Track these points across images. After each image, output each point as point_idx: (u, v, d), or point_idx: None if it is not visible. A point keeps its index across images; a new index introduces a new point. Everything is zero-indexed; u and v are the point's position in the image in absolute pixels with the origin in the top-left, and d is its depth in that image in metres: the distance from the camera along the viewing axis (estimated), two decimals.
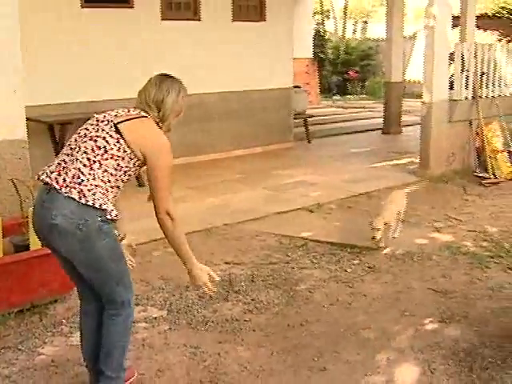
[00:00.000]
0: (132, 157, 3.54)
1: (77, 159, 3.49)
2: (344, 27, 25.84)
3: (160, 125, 3.70)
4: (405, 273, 5.98)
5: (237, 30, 11.22)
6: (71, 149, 3.57)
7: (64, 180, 3.44)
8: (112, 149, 3.50)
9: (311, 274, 5.89)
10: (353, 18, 28.79)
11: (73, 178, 3.44)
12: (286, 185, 9.10)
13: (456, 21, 11.53)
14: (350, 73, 23.19)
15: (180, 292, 5.44)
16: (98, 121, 3.63)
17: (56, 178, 3.47)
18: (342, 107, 19.79)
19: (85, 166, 3.46)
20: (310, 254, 6.42)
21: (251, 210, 7.75)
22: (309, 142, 12.98)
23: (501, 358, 4.36)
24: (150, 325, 4.90)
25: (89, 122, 3.67)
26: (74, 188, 3.40)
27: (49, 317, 5.02)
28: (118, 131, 3.54)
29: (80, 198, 3.38)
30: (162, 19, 10.14)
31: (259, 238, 6.80)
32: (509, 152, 10.05)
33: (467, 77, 10.09)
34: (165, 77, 3.80)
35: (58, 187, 3.43)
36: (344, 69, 23.70)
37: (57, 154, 8.44)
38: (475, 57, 10.17)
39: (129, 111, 3.67)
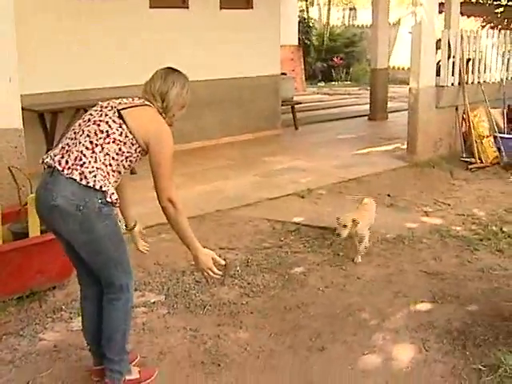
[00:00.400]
0: (134, 142, 3.61)
1: (79, 142, 3.55)
2: (328, 14, 25.86)
3: (163, 116, 3.79)
4: (396, 256, 6.10)
5: (224, 17, 11.24)
6: (75, 133, 3.63)
7: (66, 162, 3.50)
8: (114, 133, 3.57)
9: (305, 257, 5.98)
10: (336, 5, 28.80)
11: (75, 160, 3.49)
12: (276, 171, 9.18)
13: (440, 7, 11.62)
14: (335, 59, 23.26)
15: (176, 277, 5.52)
16: (101, 107, 3.71)
17: (59, 161, 3.53)
18: (328, 94, 19.85)
19: (87, 148, 3.52)
20: (303, 238, 6.51)
21: (243, 196, 7.82)
22: (296, 128, 13.05)
23: (493, 336, 4.50)
24: (149, 309, 4.97)
25: (93, 108, 3.76)
26: (76, 170, 3.46)
27: (48, 303, 5.08)
28: (120, 117, 3.61)
29: (81, 179, 3.44)
30: (150, 7, 10.15)
31: (252, 223, 6.89)
32: (494, 137, 10.17)
33: (453, 63, 10.19)
34: (171, 70, 3.89)
35: (60, 169, 3.49)
36: (329, 56, 23.76)
37: (48, 142, 8.52)
38: (461, 43, 10.26)
39: (133, 100, 3.76)
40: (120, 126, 3.59)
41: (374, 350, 4.36)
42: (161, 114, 3.77)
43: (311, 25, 24.53)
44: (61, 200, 3.45)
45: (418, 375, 4.08)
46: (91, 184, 3.45)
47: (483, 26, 19.79)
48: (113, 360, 3.84)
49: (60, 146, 3.65)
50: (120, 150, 3.59)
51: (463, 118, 10.25)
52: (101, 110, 3.68)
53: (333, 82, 22.96)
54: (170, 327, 4.65)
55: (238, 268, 5.71)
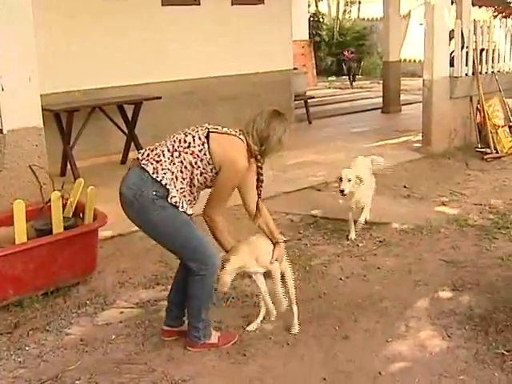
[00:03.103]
0: (210, 162, 3.91)
1: (165, 144, 3.99)
2: (337, 8, 25.79)
3: (252, 153, 4.00)
4: (415, 245, 6.13)
5: (236, 12, 11.29)
6: (167, 138, 4.03)
7: (148, 155, 3.96)
8: (195, 147, 3.91)
9: (324, 249, 6.02)
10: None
11: (155, 155, 3.92)
12: (292, 165, 9.20)
13: None
14: (345, 53, 23.20)
15: None
16: (198, 126, 4.02)
17: (143, 152, 4.03)
18: (339, 88, 19.86)
19: (168, 150, 3.94)
20: (321, 230, 6.56)
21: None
22: (310, 123, 13.08)
23: None
24: None
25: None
26: (152, 163, 3.89)
27: (73, 298, 5.15)
28: (207, 137, 3.92)
29: (153, 172, 3.86)
30: (163, 4, 10.20)
31: (271, 216, 6.89)
32: (509, 127, 10.17)
33: (467, 53, 10.19)
34: (276, 114, 4.14)
35: (140, 158, 3.97)
36: (339, 50, 23.71)
37: (64, 142, 8.59)
38: (474, 33, 10.26)
39: (231, 131, 4.04)
40: (202, 144, 3.91)
41: (397, 337, 4.41)
42: (253, 154, 4.01)
43: (321, 19, 24.49)
44: (125, 189, 3.94)
45: (442, 361, 4.12)
46: (159, 178, 3.85)
47: (495, 16, 19.71)
48: (192, 325, 4.26)
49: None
50: (196, 163, 3.91)
51: (478, 108, 10.25)
52: (196, 127, 4.02)
53: (344, 77, 22.92)
54: None
55: None
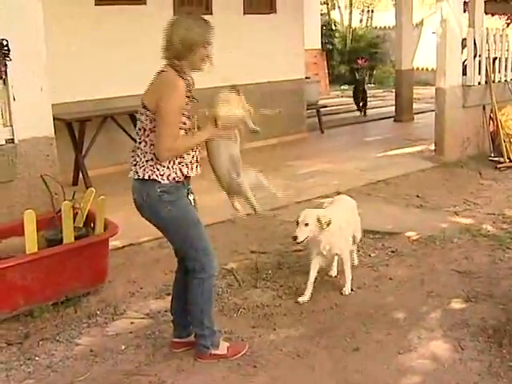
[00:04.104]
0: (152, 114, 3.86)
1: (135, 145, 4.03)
2: (350, 17, 25.79)
3: (178, 68, 3.87)
4: (428, 256, 6.08)
5: (248, 22, 11.30)
6: None
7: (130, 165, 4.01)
8: (147, 125, 3.88)
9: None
10: (357, 8, 28.70)
11: (132, 162, 3.98)
12: (304, 174, 9.18)
13: (464, 6, 11.57)
14: (359, 61, 23.16)
15: None
16: None
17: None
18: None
19: (138, 148, 3.96)
20: None
21: (272, 199, 7.81)
22: (322, 132, 13.06)
23: None
24: None
25: None
26: (132, 170, 3.97)
27: (83, 309, 5.13)
28: (143, 104, 3.91)
29: (134, 175, 3.93)
30: (175, 15, 10.20)
31: (282, 226, 6.88)
32: None
33: (480, 62, 10.14)
34: (174, 17, 4.03)
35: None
36: (352, 58, 23.68)
37: (77, 151, 8.61)
38: (487, 42, 10.22)
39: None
40: (146, 115, 3.87)
41: (409, 349, 4.37)
42: (175, 67, 3.87)
43: (334, 28, 24.48)
44: (135, 195, 3.99)
45: (455, 373, 4.07)
46: (141, 176, 3.89)
47: (508, 24, 19.64)
48: (198, 334, 4.26)
49: None
50: (152, 132, 3.88)
51: (491, 117, 10.20)
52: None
53: None
54: None
55: (270, 271, 5.73)
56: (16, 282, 4.83)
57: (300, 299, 5.15)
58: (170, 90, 3.79)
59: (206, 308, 4.19)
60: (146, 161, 3.89)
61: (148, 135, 3.88)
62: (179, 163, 3.91)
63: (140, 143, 3.92)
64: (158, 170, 3.87)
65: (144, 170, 3.89)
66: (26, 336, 4.69)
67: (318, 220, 5.00)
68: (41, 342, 4.61)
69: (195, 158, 4.00)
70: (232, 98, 4.38)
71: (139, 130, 3.93)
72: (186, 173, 3.94)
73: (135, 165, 3.94)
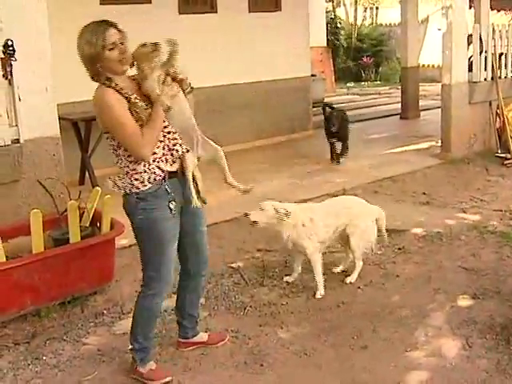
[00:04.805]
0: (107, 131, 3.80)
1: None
2: (355, 14, 25.75)
3: (101, 80, 3.75)
4: (434, 253, 6.07)
5: (253, 20, 11.27)
6: None
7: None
8: (113, 143, 3.80)
9: (342, 257, 5.95)
10: (362, 5, 28.65)
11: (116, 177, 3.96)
12: (310, 172, 9.17)
13: (470, 2, 11.54)
14: (364, 59, 23.15)
15: (216, 280, 5.55)
16: None
17: None
18: (358, 94, 19.78)
19: (117, 165, 3.91)
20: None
21: (278, 197, 7.76)
22: None
23: None
24: None
25: None
26: (114, 187, 3.94)
27: (90, 308, 5.15)
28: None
29: (115, 187, 3.91)
30: (180, 13, 10.22)
31: None
32: None
33: (486, 58, 10.11)
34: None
35: None
36: (357, 56, 23.66)
37: (83, 150, 8.61)
38: (493, 38, 10.18)
39: None
40: (107, 135, 3.83)
41: (416, 346, 4.37)
42: (100, 80, 3.76)
43: (339, 25, 24.44)
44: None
45: (463, 371, 4.06)
46: (127, 191, 3.85)
47: None
48: (130, 342, 4.14)
49: None
50: (119, 147, 3.79)
51: (497, 113, 10.16)
52: None
53: (362, 83, 22.84)
54: (212, 328, 4.68)
55: (277, 269, 5.73)
56: (23, 281, 4.83)
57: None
58: (103, 109, 3.67)
59: (141, 324, 4.07)
60: (125, 173, 3.83)
61: (118, 152, 3.80)
62: (153, 160, 3.78)
63: (116, 162, 3.88)
64: (136, 179, 3.79)
65: (123, 183, 3.84)
66: (34, 336, 4.71)
67: (276, 209, 5.12)
68: (48, 342, 4.63)
69: (167, 149, 3.84)
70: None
71: (110, 148, 3.85)
72: (164, 168, 3.82)
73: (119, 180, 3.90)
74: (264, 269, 5.75)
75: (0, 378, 4.20)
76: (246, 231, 6.63)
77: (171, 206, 3.87)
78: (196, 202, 3.98)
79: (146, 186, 3.79)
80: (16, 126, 5.50)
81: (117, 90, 3.70)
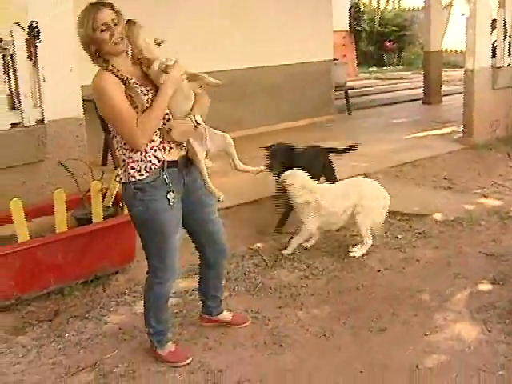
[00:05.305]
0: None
1: None
2: None
3: (100, 63, 3.63)
4: (455, 238, 6.06)
5: (277, 3, 11.25)
6: None
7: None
8: (112, 130, 3.73)
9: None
10: None
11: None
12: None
13: None
14: (387, 44, 23.02)
15: (236, 261, 5.59)
16: None
17: None
18: (380, 79, 19.72)
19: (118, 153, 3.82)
20: None
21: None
22: (350, 113, 13.02)
23: None
24: None
25: None
26: (118, 180, 3.83)
27: (112, 287, 5.20)
28: None
29: (123, 181, 3.77)
30: None
31: None
32: None
33: (510, 43, 10.01)
34: None
35: None
36: (380, 40, 23.54)
37: (105, 132, 8.65)
38: None
39: None
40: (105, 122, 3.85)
41: (435, 330, 4.37)
42: (98, 63, 3.64)
43: (362, 9, 24.30)
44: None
45: (481, 355, 4.07)
46: (129, 180, 3.70)
47: None
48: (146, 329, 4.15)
49: None
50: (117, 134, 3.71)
51: None
52: None
53: (385, 67, 22.74)
54: (232, 309, 4.70)
55: (297, 251, 5.75)
56: (46, 260, 4.90)
57: (305, 244, 5.77)
58: (99, 94, 3.54)
59: (152, 309, 4.06)
60: (122, 161, 3.72)
61: (117, 138, 3.70)
62: (151, 148, 3.65)
63: (116, 149, 3.78)
64: (133, 168, 3.67)
65: (124, 171, 3.72)
66: (56, 314, 4.78)
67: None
68: (70, 320, 4.69)
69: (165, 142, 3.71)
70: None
71: (111, 136, 3.83)
72: (161, 157, 3.67)
73: (122, 170, 3.77)
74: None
75: (24, 354, 4.27)
76: (267, 213, 6.66)
77: (169, 197, 3.73)
78: (216, 193, 3.88)
79: (142, 175, 3.67)
80: (40, 106, 5.55)
81: (113, 73, 3.58)
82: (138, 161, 3.66)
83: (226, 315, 4.52)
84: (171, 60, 3.70)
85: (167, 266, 3.90)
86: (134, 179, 3.67)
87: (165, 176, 3.71)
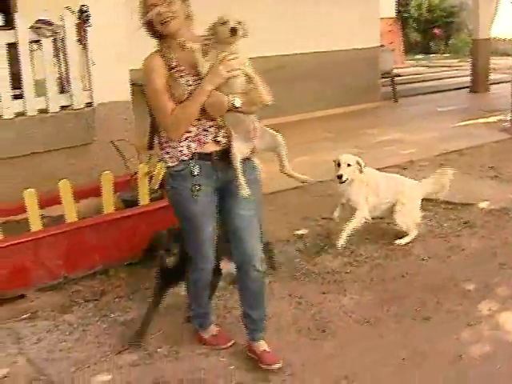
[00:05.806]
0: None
1: None
2: None
3: (158, 46, 3.61)
4: (501, 228, 6.00)
5: None
6: None
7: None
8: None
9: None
10: None
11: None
12: (377, 143, 9.14)
13: None
14: (436, 30, 22.73)
15: (281, 246, 5.61)
16: None
17: None
18: (427, 66, 19.51)
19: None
20: None
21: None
22: (396, 101, 12.94)
23: None
24: None
25: None
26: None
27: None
28: None
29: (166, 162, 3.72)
30: None
31: None
32: None
33: None
34: None
35: None
36: (427, 27, 23.26)
37: (151, 115, 8.72)
38: None
39: None
40: None
41: (479, 320, 4.34)
42: (157, 42, 3.63)
43: None
44: None
45: None
46: (169, 164, 3.65)
47: None
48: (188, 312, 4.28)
49: None
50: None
51: None
52: None
53: (432, 55, 22.48)
54: (276, 294, 4.74)
55: None
56: (93, 241, 4.98)
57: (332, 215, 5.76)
58: (146, 76, 3.51)
59: (192, 293, 4.13)
60: (161, 145, 3.71)
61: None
62: (186, 139, 3.54)
63: (160, 133, 3.76)
64: (167, 153, 3.63)
65: (166, 154, 3.64)
66: (102, 293, 4.86)
67: (358, 162, 5.47)
68: (116, 300, 4.77)
69: (201, 129, 3.55)
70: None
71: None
72: (194, 149, 3.55)
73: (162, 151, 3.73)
74: (328, 237, 5.78)
75: (70, 332, 4.35)
76: (312, 199, 6.67)
77: (193, 190, 3.58)
78: (245, 190, 3.58)
79: (173, 162, 3.61)
80: (89, 89, 5.63)
81: (164, 56, 3.53)
82: (173, 148, 3.60)
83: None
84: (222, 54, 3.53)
85: (199, 256, 3.86)
86: (167, 164, 3.67)
87: (193, 168, 3.57)
